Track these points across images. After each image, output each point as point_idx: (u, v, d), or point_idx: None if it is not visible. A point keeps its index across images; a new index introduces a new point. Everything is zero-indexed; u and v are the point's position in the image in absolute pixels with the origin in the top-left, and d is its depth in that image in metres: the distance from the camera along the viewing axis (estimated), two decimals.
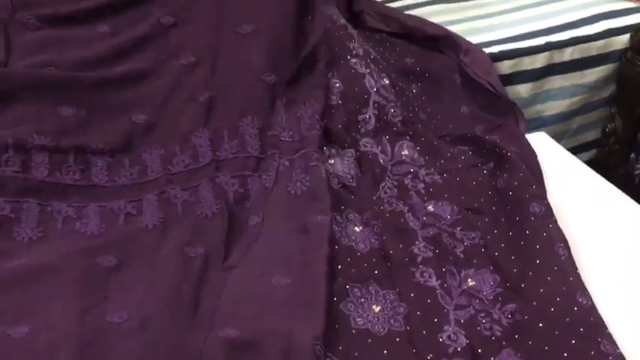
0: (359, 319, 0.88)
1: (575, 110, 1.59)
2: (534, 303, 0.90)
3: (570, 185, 1.15)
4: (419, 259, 0.96)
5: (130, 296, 0.90)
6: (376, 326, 0.87)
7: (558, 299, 0.89)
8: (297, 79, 1.21)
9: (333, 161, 1.13)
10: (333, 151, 1.15)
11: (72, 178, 1.07)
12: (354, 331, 0.87)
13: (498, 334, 0.88)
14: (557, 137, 1.55)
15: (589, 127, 1.67)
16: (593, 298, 0.89)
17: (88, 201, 1.05)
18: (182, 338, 0.84)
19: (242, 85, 1.20)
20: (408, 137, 1.21)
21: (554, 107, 1.56)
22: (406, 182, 1.13)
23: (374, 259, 0.97)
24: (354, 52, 1.28)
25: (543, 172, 1.13)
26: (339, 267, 0.94)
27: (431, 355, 0.84)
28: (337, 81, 1.22)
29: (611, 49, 1.55)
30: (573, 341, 0.84)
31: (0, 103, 1.10)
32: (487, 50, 1.43)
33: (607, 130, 1.66)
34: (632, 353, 0.83)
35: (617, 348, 0.83)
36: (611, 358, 0.82)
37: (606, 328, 0.86)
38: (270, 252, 0.95)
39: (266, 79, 1.20)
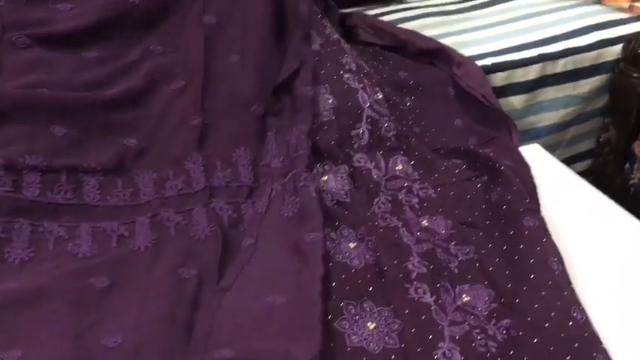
0: (354, 337, 0.87)
1: (569, 121, 1.60)
2: (529, 318, 0.89)
3: (564, 198, 1.14)
4: (413, 275, 0.96)
5: (124, 318, 0.89)
6: (371, 344, 0.87)
7: (553, 314, 0.89)
8: (280, 110, 1.22)
9: (326, 178, 1.13)
10: (327, 167, 1.14)
11: (63, 197, 1.06)
12: (349, 349, 0.86)
13: (493, 350, 0.87)
14: (552, 148, 1.56)
15: (583, 137, 1.68)
16: (588, 313, 0.89)
17: (79, 221, 1.04)
18: None
19: (232, 116, 1.20)
20: (401, 152, 1.21)
21: (548, 118, 1.56)
22: (400, 197, 1.13)
23: (368, 276, 0.96)
24: (347, 67, 1.28)
25: (537, 184, 1.13)
26: (334, 284, 0.94)
27: None
28: (330, 96, 1.22)
29: (604, 59, 1.56)
30: (568, 357, 0.83)
31: None
32: (480, 63, 1.44)
33: (601, 140, 1.67)
34: None
35: None
36: None
37: (601, 343, 0.85)
38: (264, 272, 0.94)
39: (255, 110, 1.21)
